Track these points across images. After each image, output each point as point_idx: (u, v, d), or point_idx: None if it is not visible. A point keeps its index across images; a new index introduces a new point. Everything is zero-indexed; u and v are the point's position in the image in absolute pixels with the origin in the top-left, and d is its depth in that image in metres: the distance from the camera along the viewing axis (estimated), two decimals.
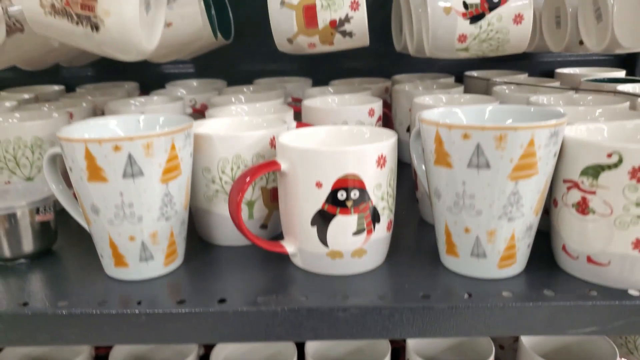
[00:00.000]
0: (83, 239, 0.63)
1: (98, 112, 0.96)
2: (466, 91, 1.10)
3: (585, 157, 0.51)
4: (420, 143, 0.58)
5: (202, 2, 0.87)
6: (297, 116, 0.87)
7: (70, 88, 1.26)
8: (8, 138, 0.74)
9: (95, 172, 0.53)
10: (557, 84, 1.00)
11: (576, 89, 0.91)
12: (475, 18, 0.76)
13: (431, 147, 0.54)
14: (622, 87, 0.87)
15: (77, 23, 0.60)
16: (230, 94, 1.04)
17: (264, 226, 0.67)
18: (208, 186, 0.64)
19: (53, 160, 0.61)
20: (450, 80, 1.14)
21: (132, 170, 0.53)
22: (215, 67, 1.29)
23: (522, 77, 1.15)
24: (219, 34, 0.98)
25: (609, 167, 0.49)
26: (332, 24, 0.75)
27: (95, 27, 0.60)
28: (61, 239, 0.69)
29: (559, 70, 1.21)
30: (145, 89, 1.24)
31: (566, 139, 0.52)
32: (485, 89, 1.11)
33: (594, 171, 0.50)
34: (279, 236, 0.65)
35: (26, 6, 0.61)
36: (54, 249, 0.67)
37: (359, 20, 0.75)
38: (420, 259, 0.61)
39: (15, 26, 0.76)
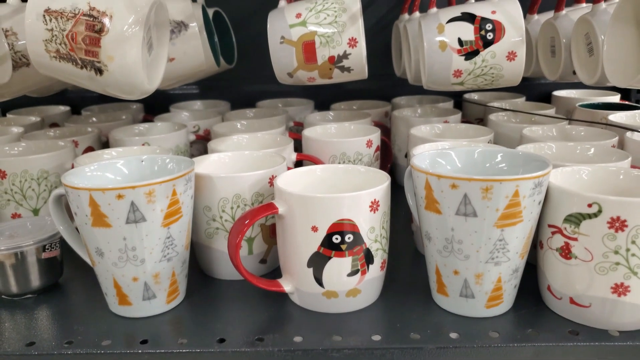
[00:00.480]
0: (89, 271, 0.65)
1: (103, 138, 0.99)
2: (464, 115, 1.12)
3: (567, 206, 0.53)
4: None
5: (204, 33, 0.89)
6: (298, 142, 0.90)
7: (75, 108, 1.28)
8: (15, 172, 0.77)
9: (99, 218, 0.55)
10: (552, 110, 1.02)
11: (569, 119, 0.94)
12: (469, 55, 0.78)
13: (422, 193, 0.57)
14: (613, 117, 0.89)
15: (82, 67, 0.63)
16: (233, 119, 1.06)
17: (263, 261, 0.69)
18: (209, 224, 0.66)
19: (58, 200, 0.63)
20: (449, 104, 1.16)
21: (134, 216, 0.55)
22: (219, 88, 1.31)
23: (520, 100, 1.18)
24: (221, 60, 1.00)
25: (590, 216, 0.51)
26: (331, 59, 0.77)
27: (99, 71, 0.63)
28: (68, 271, 0.71)
29: (555, 93, 1.23)
30: (150, 110, 1.27)
31: (551, 187, 0.55)
32: (483, 113, 1.13)
33: (576, 219, 0.52)
34: (278, 269, 0.68)
35: (32, 50, 0.63)
36: (60, 282, 0.70)
37: (357, 57, 0.77)
38: (413, 295, 0.64)
39: (21, 61, 0.78)
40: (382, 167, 0.98)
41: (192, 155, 1.00)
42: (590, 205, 0.51)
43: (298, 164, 0.84)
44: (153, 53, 0.71)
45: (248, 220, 0.58)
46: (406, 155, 1.00)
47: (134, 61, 0.62)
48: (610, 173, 0.60)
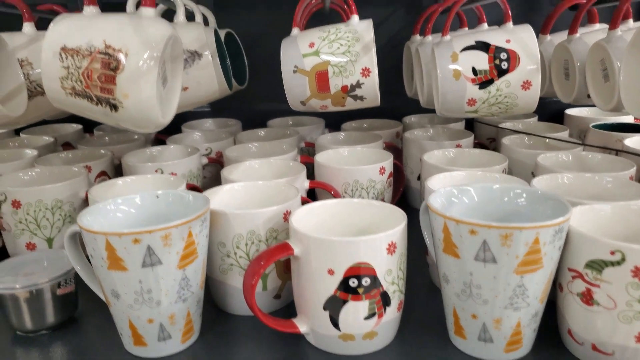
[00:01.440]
0: (104, 305, 0.64)
1: (116, 161, 0.99)
2: (476, 135, 1.12)
3: (589, 252, 0.52)
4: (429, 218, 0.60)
5: (217, 59, 0.88)
6: (310, 164, 0.90)
7: (87, 126, 1.28)
8: (29, 201, 0.76)
9: (115, 262, 0.55)
10: (565, 132, 1.01)
11: (584, 144, 0.93)
12: (484, 84, 0.78)
13: (439, 236, 0.56)
14: (629, 142, 0.88)
15: (97, 103, 0.63)
16: (244, 140, 1.06)
17: (277, 296, 0.69)
18: (223, 260, 0.66)
19: (74, 238, 0.63)
20: (461, 125, 1.15)
21: (150, 260, 0.55)
22: (231, 107, 1.31)
23: (532, 120, 1.17)
24: (233, 82, 1.00)
25: (612, 264, 0.50)
26: (344, 89, 0.77)
27: (114, 108, 0.62)
28: (83, 305, 0.70)
29: (568, 112, 1.22)
30: (162, 129, 1.26)
31: (571, 230, 0.54)
32: (495, 132, 1.13)
33: (598, 266, 0.51)
34: (292, 304, 0.67)
35: (48, 87, 0.63)
36: (76, 316, 0.69)
37: (370, 86, 0.77)
38: (430, 335, 0.63)
39: (36, 90, 0.78)
40: (395, 190, 0.97)
41: (204, 178, 1.00)
42: (613, 253, 0.50)
43: (311, 190, 0.84)
44: (167, 86, 0.70)
45: (264, 262, 0.57)
46: (419, 178, 1.00)
47: (148, 97, 0.62)
48: (632, 212, 0.59)
